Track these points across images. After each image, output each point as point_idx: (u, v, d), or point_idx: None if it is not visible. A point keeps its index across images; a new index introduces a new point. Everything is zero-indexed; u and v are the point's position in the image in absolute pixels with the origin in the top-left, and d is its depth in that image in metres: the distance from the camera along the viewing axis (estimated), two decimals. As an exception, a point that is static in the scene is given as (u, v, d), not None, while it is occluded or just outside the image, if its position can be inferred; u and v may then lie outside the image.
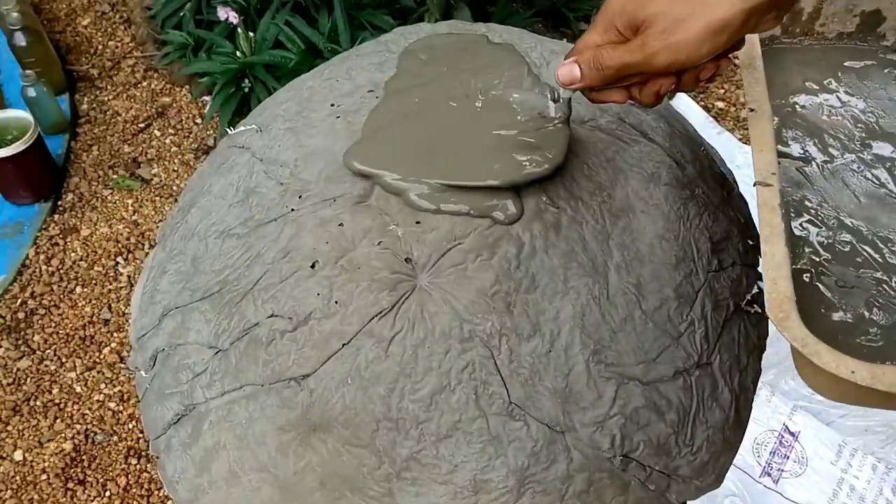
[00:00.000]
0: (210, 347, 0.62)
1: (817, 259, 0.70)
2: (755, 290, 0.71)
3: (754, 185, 0.65)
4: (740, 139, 1.81)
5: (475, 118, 0.64)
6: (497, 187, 0.59)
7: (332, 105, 0.70)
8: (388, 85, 0.69)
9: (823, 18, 0.87)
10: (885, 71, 0.84)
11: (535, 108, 0.63)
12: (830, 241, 0.71)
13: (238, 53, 1.73)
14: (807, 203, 0.74)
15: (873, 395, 0.58)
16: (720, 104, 1.88)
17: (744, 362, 0.66)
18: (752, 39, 0.78)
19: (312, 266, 0.59)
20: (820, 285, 0.68)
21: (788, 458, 1.22)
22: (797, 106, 0.83)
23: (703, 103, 1.88)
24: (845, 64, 0.86)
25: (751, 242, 0.75)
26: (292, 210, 0.62)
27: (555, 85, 0.59)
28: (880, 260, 0.70)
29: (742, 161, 1.75)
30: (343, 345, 0.56)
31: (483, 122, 0.63)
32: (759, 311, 0.71)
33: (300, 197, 0.63)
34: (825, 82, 0.84)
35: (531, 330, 0.57)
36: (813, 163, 0.78)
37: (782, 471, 1.20)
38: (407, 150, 0.62)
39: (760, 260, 0.66)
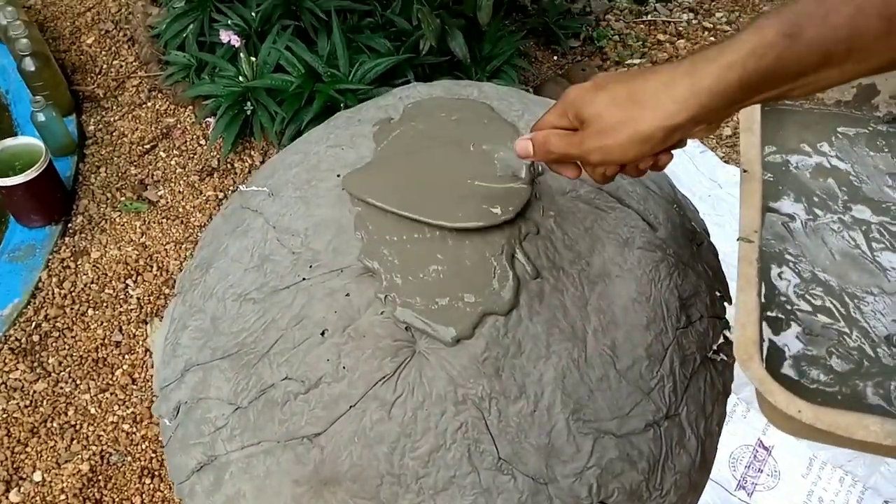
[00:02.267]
0: (230, 404, 0.69)
1: (789, 308, 0.78)
2: (721, 339, 0.79)
3: (738, 240, 0.74)
4: (722, 157, 1.88)
5: (460, 164, 0.72)
6: (456, 229, 0.68)
7: (339, 175, 0.76)
8: (386, 137, 0.78)
9: None
10: (875, 141, 0.92)
11: (510, 166, 0.72)
12: (803, 292, 0.79)
13: (240, 77, 1.79)
14: (787, 256, 0.82)
15: (818, 433, 0.66)
16: (706, 122, 1.94)
17: (709, 409, 0.74)
18: (754, 106, 0.85)
19: (322, 333, 0.66)
20: (788, 332, 0.76)
21: (762, 471, 1.30)
22: (791, 165, 0.90)
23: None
24: (839, 130, 0.93)
25: (718, 293, 0.82)
26: (304, 279, 0.69)
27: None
28: (845, 313, 0.78)
29: (724, 179, 1.83)
30: (350, 407, 0.64)
31: (465, 169, 0.72)
32: (725, 358, 0.78)
33: (310, 266, 0.70)
34: (818, 145, 0.91)
35: (518, 392, 0.64)
36: (797, 220, 0.85)
37: (756, 484, 1.28)
38: (393, 183, 0.72)
39: (732, 307, 0.75)
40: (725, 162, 1.85)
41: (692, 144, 1.84)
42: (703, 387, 0.74)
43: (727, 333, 0.80)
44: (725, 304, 0.83)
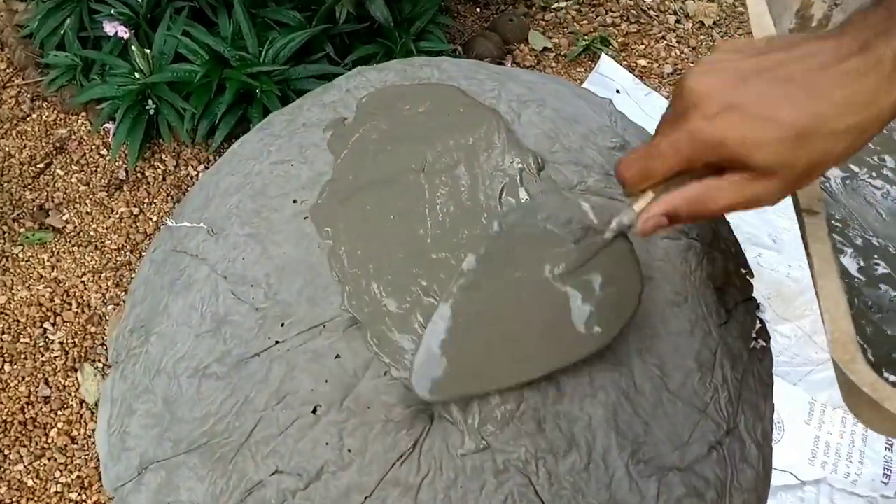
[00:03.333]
0: (209, 508, 0.55)
1: (847, 282, 0.67)
2: (758, 324, 0.69)
3: (800, 212, 0.60)
4: (667, 96, 1.80)
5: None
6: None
7: (295, 202, 0.62)
8: (345, 144, 0.63)
9: (832, 26, 0.84)
10: None
11: (566, 217, 0.53)
12: (861, 263, 0.69)
13: (136, 73, 1.58)
14: (833, 222, 0.71)
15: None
16: (643, 62, 1.85)
17: (762, 409, 0.65)
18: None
19: (314, 411, 0.53)
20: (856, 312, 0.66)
21: (768, 425, 1.25)
22: None
23: (626, 63, 1.85)
24: None
25: (743, 270, 0.72)
26: (277, 343, 0.56)
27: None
28: None
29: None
30: (366, 498, 0.51)
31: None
32: (764, 343, 0.69)
33: (283, 325, 0.56)
34: None
35: (567, 445, 0.52)
36: (832, 179, 0.75)
37: (764, 440, 1.23)
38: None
39: (815, 294, 0.61)
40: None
41: (638, 88, 1.75)
42: (754, 385, 0.64)
43: (759, 314, 0.71)
44: (749, 278, 0.74)
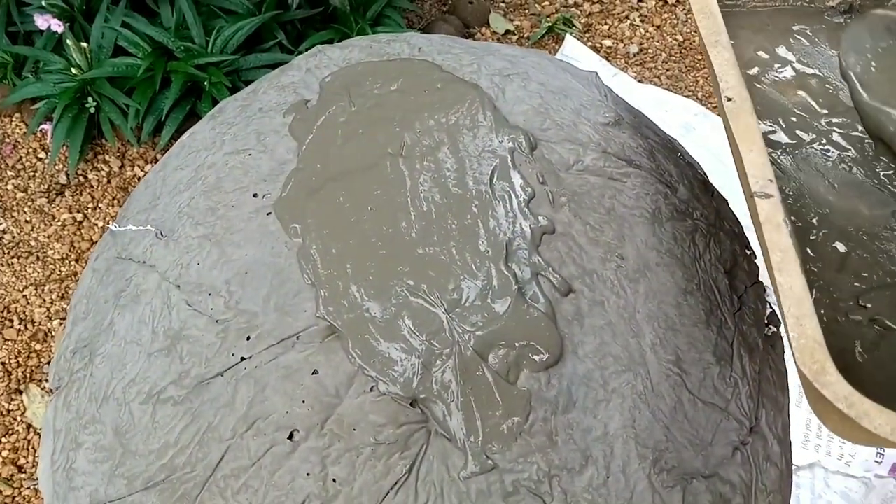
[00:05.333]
0: (172, 555, 0.47)
1: (808, 267, 0.58)
2: (768, 309, 0.64)
3: (751, 196, 0.52)
4: (634, 77, 1.76)
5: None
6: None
7: (256, 196, 0.54)
8: (310, 129, 0.55)
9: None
10: (836, 35, 0.74)
11: None
12: (819, 244, 0.60)
13: (73, 69, 1.46)
14: (783, 197, 0.64)
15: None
16: (608, 42, 1.80)
17: (781, 402, 0.60)
18: (711, 7, 0.66)
19: (291, 437, 0.45)
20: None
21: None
22: (753, 81, 0.70)
23: (590, 44, 1.80)
24: (794, 28, 0.75)
25: (748, 251, 0.67)
26: (242, 359, 0.48)
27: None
28: (870, 261, 0.58)
29: (641, 103, 1.70)
30: (357, 534, 0.44)
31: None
32: (775, 329, 0.64)
33: (248, 339, 0.48)
34: (777, 51, 0.73)
35: (582, 459, 0.46)
36: (781, 148, 0.65)
37: (755, 426, 1.20)
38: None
39: (774, 291, 0.55)
40: (640, 82, 1.72)
41: (606, 68, 1.70)
42: (771, 376, 0.59)
43: (768, 298, 0.66)
44: (754, 259, 0.69)
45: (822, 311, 0.54)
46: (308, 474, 0.45)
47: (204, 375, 0.49)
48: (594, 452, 0.47)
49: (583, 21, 1.82)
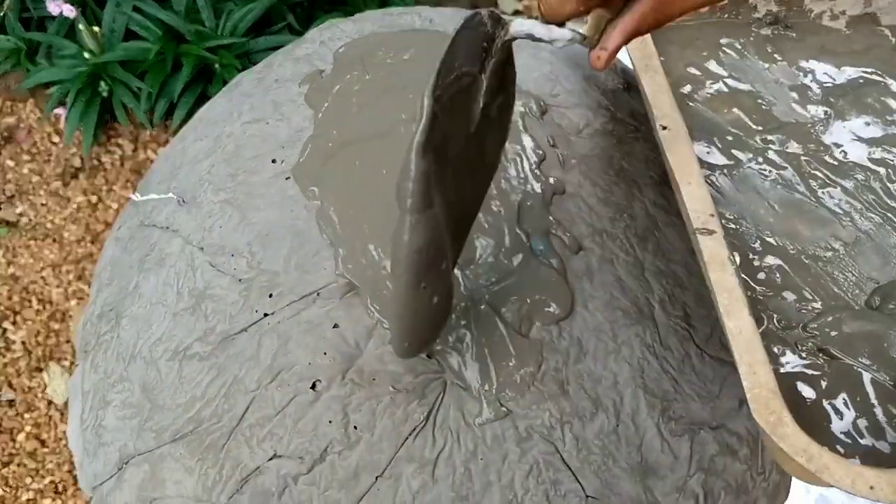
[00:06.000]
0: (200, 502, 0.50)
1: (752, 295, 0.54)
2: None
3: (693, 232, 0.49)
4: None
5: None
6: None
7: (274, 161, 0.56)
8: (325, 98, 0.57)
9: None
10: (764, 48, 0.71)
11: None
12: (760, 269, 0.56)
13: (86, 53, 1.48)
14: (724, 223, 0.57)
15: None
16: (616, 20, 1.81)
17: (786, 359, 0.61)
18: (642, 37, 0.57)
19: (313, 387, 0.47)
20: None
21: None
22: (686, 100, 0.65)
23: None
24: (722, 42, 0.71)
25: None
26: (265, 315, 0.50)
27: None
28: (812, 283, 0.56)
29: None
30: (377, 478, 0.46)
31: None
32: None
33: (271, 296, 0.50)
34: (708, 66, 0.69)
35: (593, 407, 0.48)
36: (718, 169, 0.61)
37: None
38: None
39: (723, 331, 0.48)
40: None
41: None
42: (776, 334, 0.61)
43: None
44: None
45: (772, 343, 0.52)
46: (330, 421, 0.47)
47: (229, 331, 0.51)
48: (604, 401, 0.48)
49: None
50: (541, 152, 0.54)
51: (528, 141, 0.54)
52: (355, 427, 0.46)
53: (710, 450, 0.51)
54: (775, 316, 0.54)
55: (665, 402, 0.50)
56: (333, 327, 0.48)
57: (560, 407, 0.47)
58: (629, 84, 0.63)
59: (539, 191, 0.52)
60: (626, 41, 0.41)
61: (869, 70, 0.69)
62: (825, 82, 0.68)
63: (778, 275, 0.56)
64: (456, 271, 0.49)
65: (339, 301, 0.49)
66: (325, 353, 0.48)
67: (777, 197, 0.60)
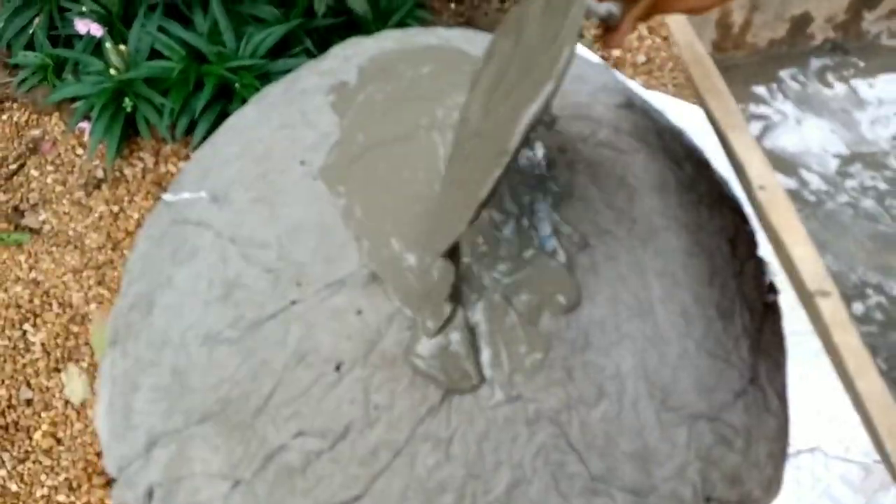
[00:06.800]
0: (226, 479, 0.53)
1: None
2: (767, 279, 0.69)
3: (809, 297, 0.50)
4: (642, 84, 1.81)
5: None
6: None
7: (303, 163, 0.60)
8: (350, 105, 0.61)
9: (755, 29, 0.75)
10: (825, 77, 0.73)
11: None
12: (864, 311, 0.56)
13: (112, 70, 1.54)
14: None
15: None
16: (616, 52, 1.86)
17: (780, 361, 0.64)
18: (718, 86, 0.60)
19: (338, 368, 0.51)
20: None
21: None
22: (758, 135, 0.67)
23: (600, 53, 1.86)
24: (781, 74, 0.73)
25: (747, 226, 0.72)
26: (293, 303, 0.54)
27: None
28: None
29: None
30: (395, 455, 0.49)
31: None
32: (775, 298, 0.69)
33: (299, 285, 0.54)
34: (772, 99, 0.71)
35: (597, 393, 0.51)
36: (803, 208, 0.62)
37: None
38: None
39: (853, 401, 0.50)
40: (648, 88, 1.78)
41: (618, 74, 1.75)
42: (770, 337, 0.64)
43: (769, 274, 0.71)
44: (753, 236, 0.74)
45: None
46: (353, 401, 0.50)
47: (258, 318, 0.54)
48: (608, 388, 0.52)
49: (593, 32, 1.88)
50: (551, 157, 0.58)
51: (538, 147, 0.58)
52: (376, 407, 0.50)
53: (707, 440, 0.55)
54: (884, 354, 0.52)
55: (665, 393, 0.53)
56: (357, 313, 0.52)
57: (567, 392, 0.51)
58: (631, 101, 0.68)
59: (549, 192, 0.56)
60: (635, 27, 0.48)
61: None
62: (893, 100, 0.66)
63: (875, 312, 0.54)
64: (472, 264, 0.53)
65: (362, 289, 0.53)
66: (348, 338, 0.51)
67: (864, 229, 0.59)
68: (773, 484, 0.60)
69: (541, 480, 0.49)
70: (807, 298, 0.48)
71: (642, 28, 1.92)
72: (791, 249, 0.49)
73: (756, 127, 0.68)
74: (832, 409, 1.24)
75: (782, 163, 0.65)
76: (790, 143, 0.66)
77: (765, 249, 0.61)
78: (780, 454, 0.61)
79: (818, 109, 0.70)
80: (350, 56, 0.72)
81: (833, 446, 1.18)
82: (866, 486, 1.15)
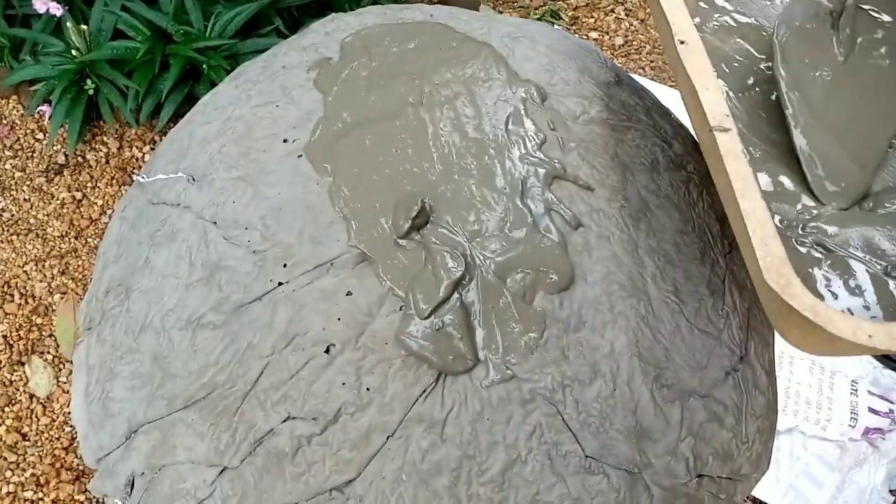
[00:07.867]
0: (212, 466, 0.51)
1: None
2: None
3: (709, 130, 0.54)
4: (620, 67, 1.81)
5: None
6: None
7: (286, 141, 0.58)
8: (334, 82, 0.59)
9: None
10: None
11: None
12: (766, 175, 0.60)
13: (73, 51, 1.49)
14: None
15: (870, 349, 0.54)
16: (594, 34, 1.86)
17: (768, 338, 0.65)
18: None
19: (327, 350, 0.49)
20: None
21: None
22: (696, 30, 0.70)
23: (577, 35, 1.86)
24: None
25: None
26: (280, 284, 0.52)
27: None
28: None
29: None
30: (388, 437, 0.48)
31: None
32: (760, 277, 0.69)
33: (285, 266, 0.52)
34: (716, 1, 0.73)
35: (591, 372, 0.51)
36: (724, 92, 0.65)
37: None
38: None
39: (733, 221, 0.54)
40: (629, 71, 1.78)
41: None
42: (759, 314, 0.64)
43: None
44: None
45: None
46: (344, 384, 0.49)
47: (243, 300, 0.52)
48: (602, 367, 0.51)
49: (570, 14, 1.88)
50: (542, 135, 0.57)
51: (529, 124, 0.57)
52: (368, 389, 0.48)
53: (699, 416, 0.55)
54: (777, 217, 0.58)
55: (658, 370, 0.53)
56: (347, 295, 0.50)
57: (561, 371, 0.50)
58: (619, 78, 0.67)
59: (541, 170, 0.55)
60: None
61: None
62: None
63: (779, 181, 0.60)
64: (464, 243, 0.52)
65: (351, 270, 0.51)
66: (338, 319, 0.50)
67: (779, 116, 0.64)
68: (762, 460, 0.61)
69: (536, 460, 0.49)
70: (706, 133, 0.53)
71: (620, 11, 1.92)
72: (701, 92, 0.53)
73: (696, 20, 0.73)
74: (809, 390, 1.26)
75: (713, 51, 0.68)
76: (723, 38, 0.69)
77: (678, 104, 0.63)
78: (768, 430, 0.62)
79: (756, 14, 0.74)
80: (331, 31, 0.70)
81: (810, 427, 1.20)
82: (842, 464, 1.17)
